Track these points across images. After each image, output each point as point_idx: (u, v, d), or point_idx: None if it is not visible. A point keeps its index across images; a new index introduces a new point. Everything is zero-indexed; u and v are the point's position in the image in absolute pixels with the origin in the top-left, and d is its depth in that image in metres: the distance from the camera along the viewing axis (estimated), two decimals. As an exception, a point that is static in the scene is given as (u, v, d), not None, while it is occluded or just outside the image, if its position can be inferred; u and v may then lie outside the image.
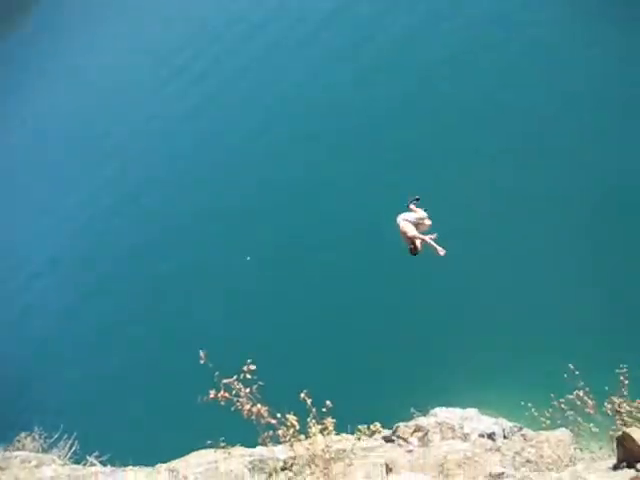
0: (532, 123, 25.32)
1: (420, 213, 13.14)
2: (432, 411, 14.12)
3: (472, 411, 14.31)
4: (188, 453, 11.12)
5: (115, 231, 33.94)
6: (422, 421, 13.34)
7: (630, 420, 10.17)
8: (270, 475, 9.26)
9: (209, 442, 9.49)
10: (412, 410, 14.42)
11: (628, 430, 6.12)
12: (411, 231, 12.59)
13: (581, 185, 22.80)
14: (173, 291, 29.46)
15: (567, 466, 8.94)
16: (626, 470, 5.97)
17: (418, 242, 12.48)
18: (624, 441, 6.07)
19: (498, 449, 10.12)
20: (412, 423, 13.19)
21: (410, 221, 12.80)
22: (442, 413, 13.85)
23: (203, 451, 10.88)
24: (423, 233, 12.70)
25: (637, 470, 5.82)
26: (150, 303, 29.56)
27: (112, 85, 43.53)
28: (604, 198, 21.81)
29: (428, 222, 13.10)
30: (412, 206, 13.52)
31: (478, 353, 21.82)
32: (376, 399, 19.89)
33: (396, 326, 24.04)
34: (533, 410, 11.95)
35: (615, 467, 6.37)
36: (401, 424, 13.14)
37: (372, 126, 29.48)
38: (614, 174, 22.56)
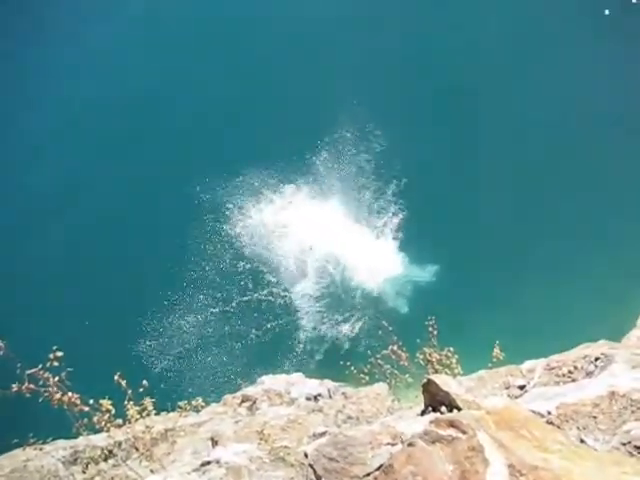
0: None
1: None
2: (259, 380, 14.19)
3: (298, 376, 14.57)
4: (-1, 456, 10.26)
5: None
6: (249, 390, 13.36)
7: (440, 367, 10.89)
8: (87, 465, 8.79)
9: (15, 441, 8.78)
10: (239, 381, 14.47)
11: (432, 377, 6.45)
12: None
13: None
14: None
15: (385, 417, 9.40)
16: (432, 414, 6.30)
17: None
18: (429, 387, 6.40)
19: (321, 410, 10.38)
20: (239, 394, 13.19)
21: None
22: (269, 381, 13.95)
23: (17, 451, 10.07)
24: None
25: (441, 413, 6.14)
26: None
27: None
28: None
29: None
30: None
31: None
32: (202, 375, 19.78)
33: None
34: (352, 368, 12.41)
35: (423, 413, 6.71)
36: (228, 396, 13.10)
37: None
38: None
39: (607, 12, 29.06)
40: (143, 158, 28.63)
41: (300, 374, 14.72)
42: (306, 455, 5.70)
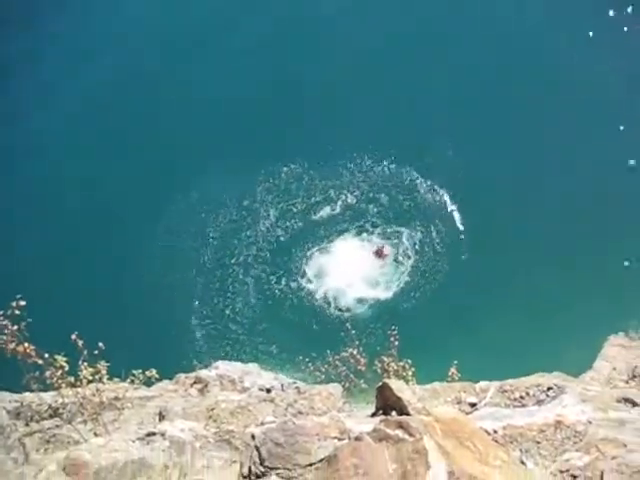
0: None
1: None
2: (214, 364, 14.16)
3: (253, 366, 14.56)
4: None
5: None
6: (203, 373, 13.33)
7: (396, 378, 11.00)
8: (31, 420, 8.70)
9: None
10: (194, 362, 14.44)
11: (387, 381, 6.55)
12: None
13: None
14: None
15: (335, 416, 9.47)
16: (381, 417, 6.39)
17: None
18: (383, 390, 6.50)
19: (272, 400, 10.42)
20: (193, 374, 13.15)
21: None
22: (223, 366, 13.92)
23: (-38, 395, 9.92)
24: None
25: (391, 417, 6.22)
26: None
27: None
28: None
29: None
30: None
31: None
32: (158, 349, 19.69)
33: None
34: (310, 365, 12.47)
35: (373, 415, 6.80)
36: (182, 374, 13.07)
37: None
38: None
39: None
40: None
41: (255, 364, 14.71)
42: (253, 437, 5.73)
